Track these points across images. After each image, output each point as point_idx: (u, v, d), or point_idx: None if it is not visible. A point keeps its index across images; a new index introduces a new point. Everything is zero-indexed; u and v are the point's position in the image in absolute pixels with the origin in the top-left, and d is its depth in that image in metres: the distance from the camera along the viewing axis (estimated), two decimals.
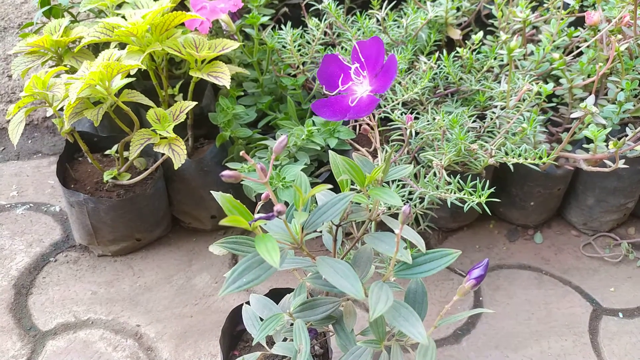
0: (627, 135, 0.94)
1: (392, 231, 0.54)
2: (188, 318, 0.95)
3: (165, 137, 0.87)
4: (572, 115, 0.79)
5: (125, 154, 1.00)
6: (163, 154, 0.91)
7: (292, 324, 0.65)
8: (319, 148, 0.98)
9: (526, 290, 1.03)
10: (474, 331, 0.95)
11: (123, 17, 0.96)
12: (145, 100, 0.89)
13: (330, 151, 0.56)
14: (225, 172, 0.44)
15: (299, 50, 1.07)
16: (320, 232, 0.58)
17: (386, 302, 0.46)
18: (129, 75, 0.89)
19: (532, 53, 1.04)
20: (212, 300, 0.99)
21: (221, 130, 1.04)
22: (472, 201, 0.78)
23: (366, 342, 0.53)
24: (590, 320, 0.98)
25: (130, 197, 0.97)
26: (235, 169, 0.98)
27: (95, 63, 0.84)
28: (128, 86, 0.92)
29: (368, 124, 0.58)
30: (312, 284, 0.52)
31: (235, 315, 0.72)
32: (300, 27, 1.07)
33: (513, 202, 1.12)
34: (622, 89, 0.99)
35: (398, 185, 0.90)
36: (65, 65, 0.98)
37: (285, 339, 0.63)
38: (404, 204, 0.49)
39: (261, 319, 0.64)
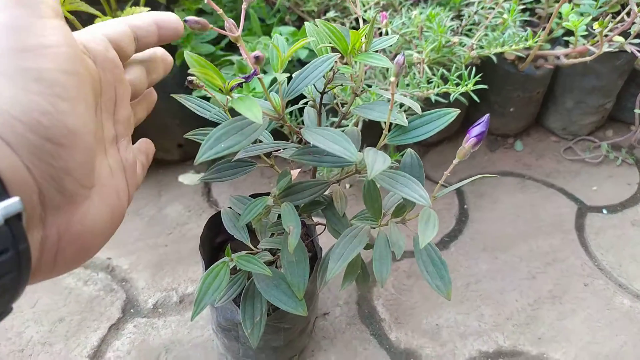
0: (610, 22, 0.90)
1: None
2: (163, 247, 0.89)
3: None
4: None
5: None
6: None
7: (278, 218, 0.60)
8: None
9: (510, 195, 1.01)
10: (461, 237, 0.93)
11: None
12: (90, 9, 0.80)
13: (306, 23, 0.50)
14: (190, 18, 0.38)
15: None
16: (304, 105, 0.52)
17: (384, 162, 0.41)
18: None
19: None
20: (187, 228, 0.93)
21: (180, 47, 0.95)
22: (457, 91, 0.74)
23: (361, 219, 0.49)
24: (576, 218, 0.97)
25: None
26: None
27: None
28: None
29: None
30: (297, 160, 0.46)
31: (214, 224, 0.66)
32: None
33: (492, 110, 1.09)
34: None
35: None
36: None
37: (272, 235, 0.58)
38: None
39: None
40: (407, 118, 0.47)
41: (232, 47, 1.03)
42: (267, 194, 0.61)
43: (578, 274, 0.87)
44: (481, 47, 0.81)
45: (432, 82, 0.77)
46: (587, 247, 0.92)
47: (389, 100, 0.46)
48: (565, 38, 0.92)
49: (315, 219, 0.59)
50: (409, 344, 0.77)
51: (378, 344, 0.77)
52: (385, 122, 0.45)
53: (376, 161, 0.41)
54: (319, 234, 0.64)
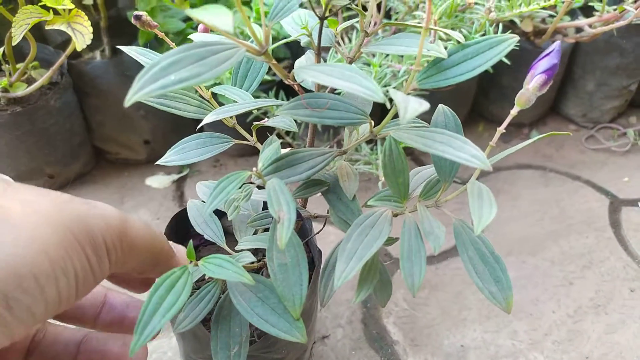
0: None
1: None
2: None
3: (62, 14, 0.63)
4: None
5: (21, 66, 0.76)
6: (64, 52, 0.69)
7: (264, 209, 0.46)
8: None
9: (532, 190, 0.88)
10: None
11: None
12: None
13: None
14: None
15: None
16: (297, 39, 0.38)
17: (420, 104, 0.27)
18: None
19: None
20: None
21: None
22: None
23: (381, 200, 0.34)
24: (610, 213, 0.84)
25: (29, 110, 0.73)
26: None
27: None
28: None
29: None
30: (288, 115, 0.32)
31: (179, 225, 0.51)
32: None
33: (505, 96, 0.96)
34: None
35: (380, 65, 0.71)
36: None
37: (255, 232, 0.43)
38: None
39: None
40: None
41: None
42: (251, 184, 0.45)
43: (621, 277, 0.74)
44: (501, 7, 0.68)
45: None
46: (627, 246, 0.78)
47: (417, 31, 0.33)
48: (590, 3, 0.80)
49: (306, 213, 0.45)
50: None
51: None
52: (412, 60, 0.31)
53: (409, 101, 0.27)
54: (317, 233, 0.49)
